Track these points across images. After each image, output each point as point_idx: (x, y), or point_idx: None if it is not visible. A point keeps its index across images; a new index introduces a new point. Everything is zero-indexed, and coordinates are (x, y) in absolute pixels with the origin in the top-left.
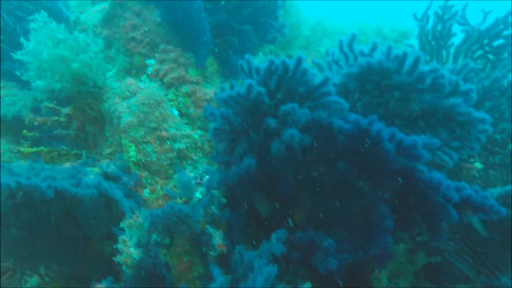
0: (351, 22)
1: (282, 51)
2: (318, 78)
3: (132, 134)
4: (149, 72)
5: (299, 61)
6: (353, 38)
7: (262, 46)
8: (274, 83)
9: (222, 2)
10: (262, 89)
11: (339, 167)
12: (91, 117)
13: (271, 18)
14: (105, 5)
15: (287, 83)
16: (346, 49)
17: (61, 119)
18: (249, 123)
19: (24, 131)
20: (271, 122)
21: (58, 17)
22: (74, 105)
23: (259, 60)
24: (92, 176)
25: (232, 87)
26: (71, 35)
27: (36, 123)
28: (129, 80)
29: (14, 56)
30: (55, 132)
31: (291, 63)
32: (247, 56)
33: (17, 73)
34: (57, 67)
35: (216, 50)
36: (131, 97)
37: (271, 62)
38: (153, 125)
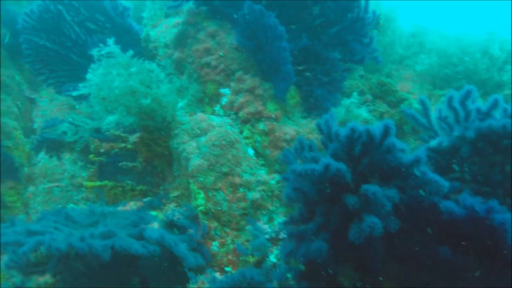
0: (452, 36)
1: (373, 75)
2: (408, 156)
3: (201, 179)
4: (223, 103)
5: (386, 132)
6: (467, 95)
7: (350, 71)
8: (358, 151)
9: (306, 22)
10: (342, 166)
11: (441, 252)
12: (158, 153)
13: (359, 35)
14: (178, 20)
15: (372, 153)
16: (457, 105)
17: (129, 146)
18: (327, 195)
19: (91, 156)
20: (351, 202)
21: (128, 32)
22: (140, 139)
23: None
24: (156, 225)
25: (309, 147)
26: (142, 64)
27: (102, 150)
28: (200, 116)
29: (73, 93)
30: (120, 164)
31: (377, 133)
32: (325, 117)
33: (77, 106)
34: (125, 100)
35: (299, 80)
36: (201, 135)
37: (353, 130)
38: (225, 169)
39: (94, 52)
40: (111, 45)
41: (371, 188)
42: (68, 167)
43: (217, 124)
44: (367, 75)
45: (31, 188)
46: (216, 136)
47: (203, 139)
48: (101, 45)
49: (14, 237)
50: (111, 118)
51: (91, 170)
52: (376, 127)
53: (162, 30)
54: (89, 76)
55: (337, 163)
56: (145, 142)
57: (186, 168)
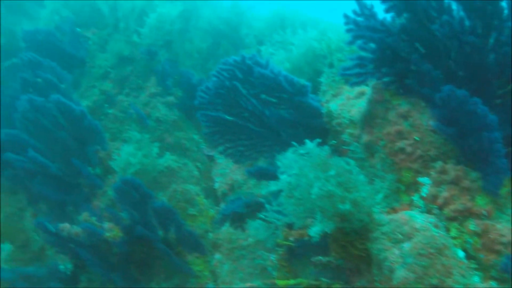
0: None
1: None
2: None
3: None
4: (423, 194)
5: None
6: None
7: None
8: None
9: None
10: None
11: None
12: (354, 255)
13: None
14: (362, 89)
15: None
16: None
17: None
18: None
19: (279, 240)
20: None
21: (308, 110)
22: (335, 240)
23: None
24: None
25: None
26: (339, 164)
27: (291, 238)
28: (402, 217)
29: (262, 192)
30: (313, 260)
31: None
32: None
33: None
34: (321, 202)
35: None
36: (404, 241)
37: None
38: (434, 281)
39: (289, 154)
40: (308, 143)
41: None
42: (252, 232)
43: (421, 227)
44: None
45: (218, 256)
46: (421, 243)
47: (406, 246)
48: (294, 143)
49: None
50: (316, 230)
51: (280, 253)
52: None
53: (345, 102)
54: (283, 177)
55: None
56: (340, 244)
57: (390, 279)
